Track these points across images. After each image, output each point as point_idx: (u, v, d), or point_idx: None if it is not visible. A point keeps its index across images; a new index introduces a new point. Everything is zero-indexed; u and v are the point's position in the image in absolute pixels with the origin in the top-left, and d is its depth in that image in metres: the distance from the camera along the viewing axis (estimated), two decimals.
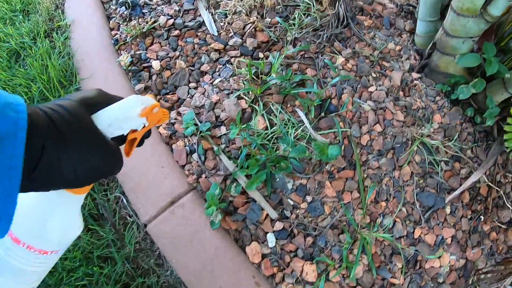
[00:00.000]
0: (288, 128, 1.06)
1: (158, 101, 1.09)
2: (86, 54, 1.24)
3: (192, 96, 1.11)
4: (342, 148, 1.09)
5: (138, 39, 1.22)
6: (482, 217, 1.22)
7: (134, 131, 0.39)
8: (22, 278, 0.35)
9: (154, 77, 1.15)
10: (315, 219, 1.02)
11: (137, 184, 1.04)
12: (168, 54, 1.18)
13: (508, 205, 1.27)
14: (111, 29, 1.29)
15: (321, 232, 1.01)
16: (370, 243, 1.00)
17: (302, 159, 1.04)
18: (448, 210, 1.15)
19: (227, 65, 1.15)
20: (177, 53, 1.18)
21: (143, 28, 1.22)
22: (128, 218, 1.08)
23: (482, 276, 1.14)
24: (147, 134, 0.43)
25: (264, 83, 1.10)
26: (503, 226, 1.27)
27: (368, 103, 1.17)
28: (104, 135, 0.35)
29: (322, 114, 1.10)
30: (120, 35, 1.24)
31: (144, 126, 0.40)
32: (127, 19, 1.27)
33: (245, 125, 1.04)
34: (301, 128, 1.05)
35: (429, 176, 1.16)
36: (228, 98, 1.08)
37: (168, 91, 1.12)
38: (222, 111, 1.07)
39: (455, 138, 1.21)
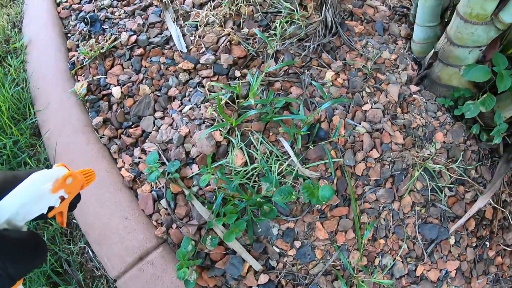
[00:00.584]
0: (271, 162, 0.90)
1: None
2: (42, 80, 1.04)
3: (159, 128, 0.93)
4: (335, 181, 0.93)
5: (97, 61, 1.03)
6: (487, 242, 1.10)
7: (52, 207, 0.35)
8: None
9: (114, 107, 0.96)
10: (305, 266, 0.88)
11: (101, 236, 0.88)
12: (130, 78, 0.99)
13: None
14: (69, 50, 1.09)
15: (313, 281, 0.87)
16: None
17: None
18: (452, 240, 1.02)
19: (198, 88, 0.97)
20: (141, 76, 0.99)
21: (102, 48, 1.02)
22: (96, 271, 0.93)
23: None
24: (76, 200, 0.39)
25: (243, 108, 0.92)
26: (509, 249, 1.15)
27: (362, 124, 1.01)
28: (15, 225, 0.31)
29: (311, 143, 0.94)
30: (78, 57, 1.04)
31: (63, 199, 0.36)
32: (86, 37, 1.07)
33: (220, 162, 0.88)
34: (286, 163, 0.89)
35: (432, 205, 1.02)
36: (199, 129, 0.91)
37: (130, 123, 0.94)
38: (193, 145, 0.90)
39: (459, 159, 1.07)
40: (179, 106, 0.96)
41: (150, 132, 0.93)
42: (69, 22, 1.12)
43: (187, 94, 0.98)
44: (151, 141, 0.92)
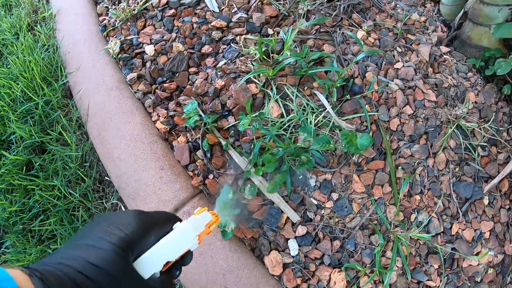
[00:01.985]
0: (307, 114, 0.85)
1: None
2: (72, 45, 1.00)
3: (193, 83, 0.89)
4: (370, 134, 0.89)
5: (128, 23, 0.99)
6: None
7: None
8: None
9: (148, 64, 0.92)
10: (342, 219, 0.83)
11: (135, 190, 0.83)
12: (163, 37, 0.95)
13: None
14: (99, 15, 1.05)
15: (350, 234, 0.82)
16: (406, 245, 0.82)
17: (326, 150, 0.84)
18: (486, 201, 0.97)
19: (231, 44, 0.93)
20: (174, 35, 0.95)
21: (133, 10, 0.98)
22: None
23: None
24: (190, 256, 0.33)
25: (277, 63, 0.88)
26: None
27: (395, 81, 0.96)
28: (152, 278, 0.27)
29: (346, 96, 0.90)
30: (109, 20, 1.00)
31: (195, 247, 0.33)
32: (116, 2, 1.04)
33: (257, 113, 0.84)
34: (322, 114, 0.84)
35: (466, 164, 0.96)
36: (235, 82, 0.87)
37: (165, 79, 0.90)
38: (228, 98, 0.86)
39: (491, 119, 1.01)
40: (213, 62, 0.92)
41: (185, 87, 0.89)
42: None
43: (220, 51, 0.94)
44: (186, 95, 0.88)
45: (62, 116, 0.93)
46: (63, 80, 0.98)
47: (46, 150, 0.92)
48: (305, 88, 0.89)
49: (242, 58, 0.88)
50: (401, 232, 0.84)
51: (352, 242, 0.81)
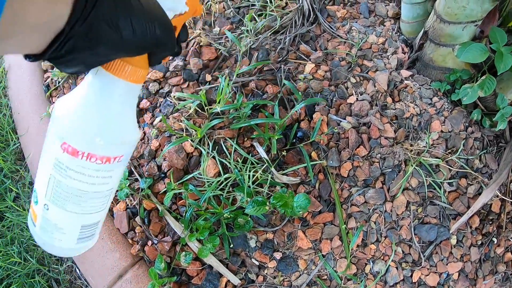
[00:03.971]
0: (246, 170, 0.77)
1: None
2: (21, 106, 0.97)
3: None
4: (317, 185, 0.80)
5: (70, 81, 0.94)
6: (494, 239, 0.92)
7: (175, 16, 0.34)
8: (85, 205, 0.30)
9: None
10: (287, 277, 0.77)
11: (84, 255, 0.81)
12: None
13: None
14: (45, 71, 1.00)
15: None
16: None
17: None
18: (454, 240, 0.86)
19: (167, 98, 0.86)
20: None
21: None
22: None
23: None
24: (185, 33, 0.36)
25: (213, 117, 0.80)
26: None
27: (347, 119, 0.85)
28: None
29: (289, 146, 0.81)
30: (52, 79, 0.96)
31: (186, 12, 0.35)
32: None
33: (191, 175, 0.77)
34: (261, 170, 0.77)
35: (430, 203, 0.86)
36: (169, 141, 0.80)
37: None
38: (164, 159, 0.80)
39: (460, 149, 0.89)
40: (151, 119, 0.86)
41: None
42: None
43: (158, 105, 0.87)
44: None
45: (14, 183, 0.91)
46: (15, 143, 0.95)
47: (4, 217, 0.91)
48: (245, 140, 0.81)
49: (176, 114, 0.81)
50: (354, 286, 0.76)
51: None
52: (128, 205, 0.80)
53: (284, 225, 0.76)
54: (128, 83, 0.30)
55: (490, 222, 0.92)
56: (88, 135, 0.28)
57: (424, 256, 0.83)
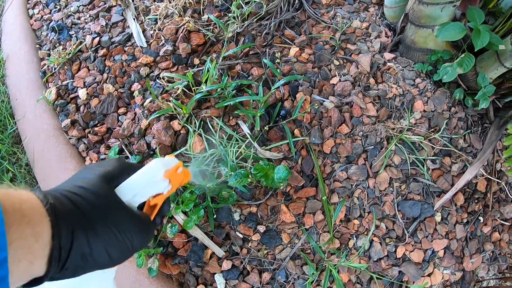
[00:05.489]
0: (231, 146, 0.81)
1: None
2: (18, 92, 1.03)
3: (122, 123, 0.88)
4: (299, 161, 0.83)
5: (65, 67, 0.99)
6: (481, 217, 0.93)
7: (157, 195, 0.35)
8: None
9: (81, 108, 0.92)
10: (271, 250, 0.79)
11: None
12: (95, 78, 0.94)
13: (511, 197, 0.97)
14: (41, 59, 1.07)
15: (280, 266, 0.78)
16: (334, 274, 0.76)
17: (250, 183, 0.80)
18: (438, 218, 0.87)
19: (157, 80, 0.90)
20: (105, 75, 0.94)
21: (68, 53, 0.98)
22: None
23: None
24: (168, 206, 0.37)
25: (201, 97, 0.84)
26: (507, 223, 0.97)
27: (330, 99, 0.88)
28: (130, 207, 0.32)
29: (272, 123, 0.84)
30: (48, 66, 1.02)
31: (168, 190, 0.35)
32: (56, 45, 1.04)
33: (179, 151, 0.81)
34: (244, 145, 0.80)
35: (413, 180, 0.87)
36: (159, 121, 0.84)
37: (96, 122, 0.90)
38: (153, 137, 0.84)
39: (442, 128, 0.90)
40: (141, 100, 0.90)
41: (115, 129, 0.88)
42: (41, 33, 1.10)
43: (149, 87, 0.91)
44: (115, 137, 0.87)
45: (11, 164, 0.96)
46: (12, 128, 1.00)
47: None
48: (231, 118, 0.84)
49: (165, 95, 0.85)
50: (337, 260, 0.78)
51: (283, 273, 0.77)
52: None
53: (267, 199, 0.79)
54: (104, 270, 0.31)
55: (476, 201, 0.93)
56: None
57: (408, 232, 0.84)
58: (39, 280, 0.24)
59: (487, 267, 0.94)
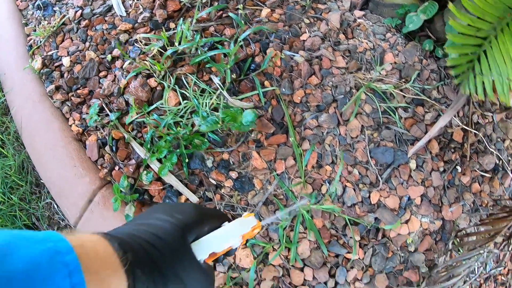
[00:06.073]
0: (204, 99, 0.84)
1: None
2: (7, 67, 1.10)
3: (103, 85, 0.93)
4: (269, 109, 0.86)
5: (50, 39, 1.06)
6: (458, 167, 0.93)
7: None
8: None
9: (65, 75, 0.98)
10: (244, 196, 0.81)
11: (60, 189, 0.90)
12: (78, 47, 1.01)
13: (491, 149, 0.97)
14: (27, 35, 1.14)
15: (253, 211, 0.80)
16: (306, 218, 0.77)
17: (222, 131, 0.83)
18: (413, 165, 0.89)
19: (135, 44, 0.96)
20: (87, 44, 1.01)
21: (53, 27, 1.05)
22: (61, 222, 0.95)
23: (465, 239, 0.86)
24: (224, 254, 0.37)
25: (176, 56, 0.89)
26: (487, 175, 0.97)
27: (300, 53, 0.92)
28: (202, 263, 0.31)
29: (243, 76, 0.87)
30: (34, 40, 1.09)
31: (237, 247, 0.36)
32: (41, 21, 1.12)
33: (154, 105, 0.85)
34: (215, 96, 0.83)
35: (385, 128, 0.89)
36: (136, 80, 0.89)
37: (79, 86, 0.96)
38: (131, 95, 0.88)
39: (413, 77, 0.92)
40: (121, 64, 0.95)
41: (96, 90, 0.93)
42: (27, 12, 1.18)
43: (128, 52, 0.97)
44: (96, 97, 0.92)
45: (0, 134, 1.01)
46: (0, 99, 1.07)
47: None
48: (204, 74, 0.89)
49: (142, 56, 0.90)
50: (308, 204, 0.80)
51: (256, 219, 0.79)
52: (99, 137, 0.88)
53: (239, 146, 0.82)
54: None
55: (453, 150, 0.94)
56: None
57: (382, 179, 0.85)
58: None
59: (468, 217, 0.94)
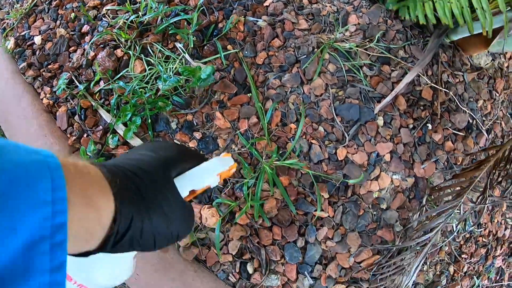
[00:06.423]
0: (168, 65, 0.86)
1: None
2: None
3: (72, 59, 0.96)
4: (232, 71, 0.87)
5: (23, 21, 1.10)
6: (429, 125, 0.93)
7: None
8: None
9: (37, 52, 1.01)
10: (209, 157, 0.82)
11: None
12: (49, 26, 1.04)
13: (463, 108, 0.96)
14: (1, 20, 1.18)
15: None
16: (270, 172, 0.77)
17: (186, 93, 0.84)
18: (380, 121, 0.89)
19: (103, 19, 0.99)
20: (58, 22, 1.04)
21: (25, 9, 1.09)
22: None
23: (438, 194, 0.85)
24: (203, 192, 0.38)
25: (142, 27, 0.91)
26: (460, 133, 0.96)
27: (263, 18, 0.93)
28: (181, 197, 0.31)
29: (206, 41, 0.89)
30: (7, 23, 1.13)
31: (216, 185, 0.37)
32: (14, 5, 1.16)
33: (121, 73, 0.87)
34: (178, 61, 0.85)
35: (350, 86, 0.89)
36: (103, 51, 0.91)
37: (50, 61, 0.99)
38: (99, 66, 0.91)
39: (377, 37, 0.93)
40: (90, 38, 0.98)
41: (66, 64, 0.96)
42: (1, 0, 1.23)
43: (96, 27, 1.00)
44: (66, 71, 0.95)
45: None
46: None
47: None
48: (169, 42, 0.91)
49: (109, 28, 0.93)
50: (276, 162, 0.80)
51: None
52: (69, 107, 0.90)
53: (202, 107, 0.83)
54: None
55: (422, 108, 0.94)
56: (85, 271, 0.31)
57: (348, 135, 0.85)
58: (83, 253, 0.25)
59: (442, 175, 0.93)
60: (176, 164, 0.31)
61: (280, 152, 0.83)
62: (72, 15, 1.03)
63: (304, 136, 0.85)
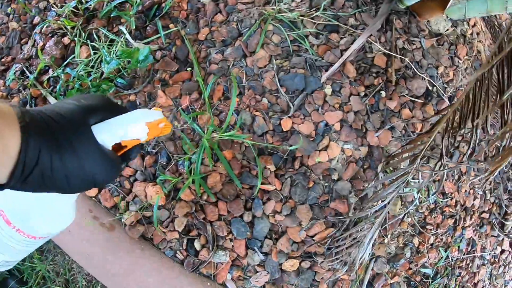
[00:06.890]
0: (112, 48, 0.87)
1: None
2: None
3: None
4: (173, 49, 0.87)
5: None
6: (383, 92, 0.90)
7: (131, 140, 0.35)
8: (10, 253, 0.35)
9: None
10: None
11: None
12: (2, 21, 1.08)
13: (421, 74, 0.93)
14: None
15: (161, 147, 0.81)
16: (207, 146, 0.77)
17: (129, 74, 0.85)
18: (328, 90, 0.87)
19: (52, 9, 1.01)
20: (11, 16, 1.07)
21: None
22: None
23: (392, 161, 0.82)
24: (136, 152, 0.37)
25: (89, 14, 0.93)
26: (419, 100, 0.92)
27: None
28: (102, 145, 0.32)
29: (148, 23, 0.90)
30: None
31: (144, 139, 0.36)
32: None
33: (67, 61, 0.89)
34: (119, 43, 0.86)
35: (296, 56, 0.88)
36: (50, 40, 0.93)
37: (3, 55, 1.02)
38: (47, 55, 0.93)
39: (322, 5, 0.91)
40: (40, 29, 1.01)
41: (18, 56, 0.99)
42: None
43: (46, 18, 1.02)
44: (17, 62, 0.98)
45: None
46: None
47: None
48: (114, 26, 0.92)
49: (56, 17, 0.95)
50: (218, 136, 0.80)
51: (164, 154, 0.80)
52: (21, 98, 0.93)
53: (144, 87, 0.84)
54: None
55: (375, 75, 0.91)
56: (23, 216, 0.32)
57: (294, 105, 0.84)
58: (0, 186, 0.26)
59: (400, 144, 0.90)
60: (97, 112, 0.32)
61: (223, 125, 0.83)
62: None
63: (247, 109, 0.84)
